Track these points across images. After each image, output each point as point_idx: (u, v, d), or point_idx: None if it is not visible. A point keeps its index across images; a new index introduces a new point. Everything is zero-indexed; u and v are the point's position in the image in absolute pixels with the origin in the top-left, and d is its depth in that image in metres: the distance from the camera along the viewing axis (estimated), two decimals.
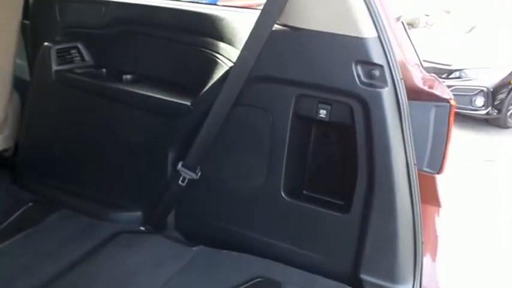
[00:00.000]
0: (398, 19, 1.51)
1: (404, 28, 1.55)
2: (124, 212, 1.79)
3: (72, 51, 1.88)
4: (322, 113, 1.45)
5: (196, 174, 1.63)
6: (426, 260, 1.43)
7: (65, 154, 1.90)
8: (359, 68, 1.33)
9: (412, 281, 1.40)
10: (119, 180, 1.82)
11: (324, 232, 1.50)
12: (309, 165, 1.62)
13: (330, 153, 1.59)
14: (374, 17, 1.28)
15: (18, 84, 1.98)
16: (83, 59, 1.90)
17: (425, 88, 1.41)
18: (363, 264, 1.44)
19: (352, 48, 1.32)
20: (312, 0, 1.37)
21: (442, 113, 1.39)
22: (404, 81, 1.30)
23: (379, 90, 1.30)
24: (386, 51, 1.29)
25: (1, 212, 1.77)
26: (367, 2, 1.28)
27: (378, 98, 1.30)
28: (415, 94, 1.35)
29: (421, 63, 1.49)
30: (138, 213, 1.78)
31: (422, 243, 1.39)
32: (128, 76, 1.81)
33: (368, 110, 1.33)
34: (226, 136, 1.59)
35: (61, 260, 1.54)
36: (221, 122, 1.55)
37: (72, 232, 1.69)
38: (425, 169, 1.42)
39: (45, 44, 1.83)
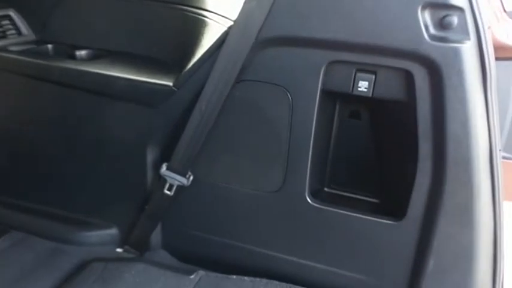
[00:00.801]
0: None
1: None
2: (95, 231, 1.36)
3: (3, 22, 1.38)
4: (363, 85, 1.04)
5: (187, 180, 1.21)
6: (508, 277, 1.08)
7: (12, 160, 1.43)
8: (427, 14, 0.92)
9: None
10: (85, 191, 1.37)
11: (371, 245, 1.12)
12: (339, 157, 1.23)
13: (364, 139, 1.20)
14: None
15: None
16: (19, 33, 1.40)
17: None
18: (424, 286, 1.07)
19: None
20: None
21: None
22: None
23: (456, 45, 0.90)
24: None
25: None
26: None
27: (455, 57, 0.90)
28: (498, 51, 0.96)
29: (503, 6, 1.08)
30: (113, 231, 1.35)
31: (503, 255, 1.04)
32: (83, 52, 1.34)
33: (439, 76, 0.93)
34: (226, 126, 1.17)
35: None
36: (218, 106, 1.12)
37: (26, 262, 1.25)
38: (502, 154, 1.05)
39: None
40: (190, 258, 1.31)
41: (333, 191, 1.25)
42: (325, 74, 1.06)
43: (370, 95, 1.04)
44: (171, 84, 1.19)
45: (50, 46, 1.40)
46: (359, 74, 1.04)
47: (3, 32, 1.37)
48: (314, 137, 1.11)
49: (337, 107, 1.20)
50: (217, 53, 1.10)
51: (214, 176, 1.23)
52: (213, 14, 1.19)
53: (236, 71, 1.08)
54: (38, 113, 1.37)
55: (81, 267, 1.23)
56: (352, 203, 1.20)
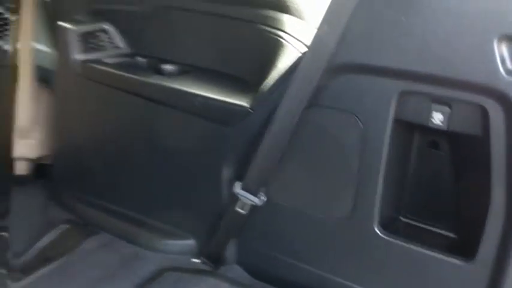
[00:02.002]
0: None
1: None
2: (174, 240, 1.42)
3: (100, 34, 1.49)
4: (437, 117, 0.97)
5: (260, 199, 1.21)
6: None
7: (102, 166, 1.55)
8: (504, 47, 0.86)
9: None
10: (167, 200, 1.44)
11: (436, 284, 1.05)
12: (417, 187, 1.16)
13: (442, 170, 1.13)
14: None
15: (46, 76, 1.63)
16: (113, 45, 1.50)
17: None
18: None
19: (492, 16, 0.87)
20: None
21: None
22: None
23: None
24: None
25: (30, 234, 1.47)
26: None
27: None
28: None
29: None
30: (191, 242, 1.41)
31: None
32: (168, 66, 1.40)
33: None
34: (298, 149, 1.16)
35: None
36: (291, 129, 1.11)
37: (110, 265, 1.36)
38: None
39: (65, 26, 1.44)
40: (263, 276, 1.32)
41: (408, 221, 1.19)
42: (397, 103, 1.01)
43: (446, 128, 0.97)
44: (247, 105, 1.20)
45: (141, 59, 1.49)
46: (433, 105, 0.97)
47: (100, 44, 1.48)
48: (387, 166, 1.06)
49: (415, 135, 1.14)
50: (292, 76, 1.09)
51: (286, 198, 1.23)
52: (291, 37, 1.17)
53: (308, 96, 1.07)
54: (127, 124, 1.47)
55: (158, 273, 1.31)
56: (426, 235, 1.14)
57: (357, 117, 1.06)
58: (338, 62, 1.02)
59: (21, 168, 1.68)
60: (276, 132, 1.13)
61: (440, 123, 0.97)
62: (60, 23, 1.47)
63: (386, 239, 1.09)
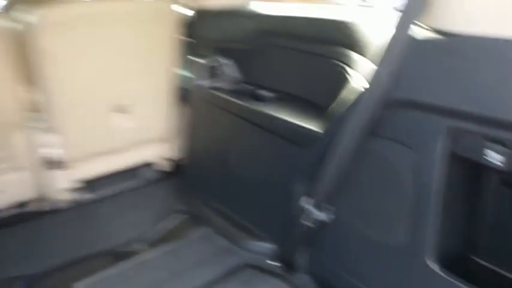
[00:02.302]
0: None
1: None
2: (256, 241, 1.65)
3: (222, 67, 1.82)
4: (492, 156, 0.96)
5: (325, 215, 1.34)
6: None
7: (214, 171, 1.88)
8: None
9: None
10: (255, 206, 1.68)
11: None
12: (484, 226, 1.15)
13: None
14: None
15: (187, 96, 2.06)
16: (229, 75, 1.82)
17: None
18: None
19: None
20: None
21: None
22: None
23: None
24: None
25: (152, 218, 1.87)
26: None
27: None
28: None
29: None
30: (270, 246, 1.61)
31: None
32: (264, 92, 1.65)
33: None
34: (358, 173, 1.26)
35: (188, 283, 1.50)
36: (351, 155, 1.23)
37: (207, 253, 1.65)
38: None
39: (198, 60, 1.83)
40: (329, 287, 1.43)
41: (480, 261, 1.16)
42: (450, 139, 1.03)
43: (506, 168, 0.95)
44: (319, 130, 1.36)
45: (248, 86, 1.77)
46: (489, 145, 0.96)
47: (218, 73, 1.82)
48: (443, 199, 1.08)
49: (484, 172, 1.12)
50: (354, 108, 1.21)
51: (350, 218, 1.32)
52: (357, 73, 1.29)
53: (367, 126, 1.17)
54: (232, 139, 1.76)
55: (240, 267, 1.55)
56: (497, 278, 1.10)
57: (411, 149, 1.12)
58: (393, 98, 1.11)
59: (164, 166, 2.15)
60: (339, 156, 1.25)
61: (500, 164, 0.96)
62: (195, 58, 1.87)
63: (439, 274, 1.09)
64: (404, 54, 1.05)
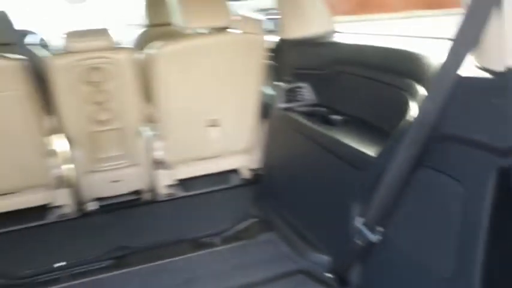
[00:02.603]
0: None
1: None
2: (314, 251, 1.78)
3: (299, 90, 2.01)
4: None
5: (375, 237, 1.42)
6: None
7: (285, 183, 2.07)
8: None
9: None
10: (317, 219, 1.81)
11: None
12: None
13: None
14: None
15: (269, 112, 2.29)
16: (306, 97, 2.00)
17: None
18: None
19: None
20: None
21: None
22: None
23: None
24: None
25: (230, 217, 2.13)
26: None
27: None
28: None
29: None
30: (326, 258, 1.72)
31: None
32: (334, 116, 1.78)
33: None
34: (407, 200, 1.32)
35: (245, 277, 1.70)
36: (400, 182, 1.30)
37: (269, 255, 1.84)
38: None
39: (278, 83, 2.04)
40: None
41: None
42: (498, 176, 1.05)
43: None
44: (374, 155, 1.46)
45: (321, 109, 1.92)
46: None
47: (296, 96, 2.01)
48: (489, 235, 1.08)
49: None
50: (405, 138, 1.27)
51: (397, 240, 1.38)
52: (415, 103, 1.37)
53: (415, 156, 1.23)
54: (302, 156, 1.92)
55: (294, 273, 1.70)
56: None
57: (458, 182, 1.14)
58: (440, 132, 1.16)
59: (246, 174, 2.42)
60: (390, 182, 1.32)
61: None
62: (278, 81, 2.09)
63: None
64: (448, 92, 1.11)
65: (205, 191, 2.38)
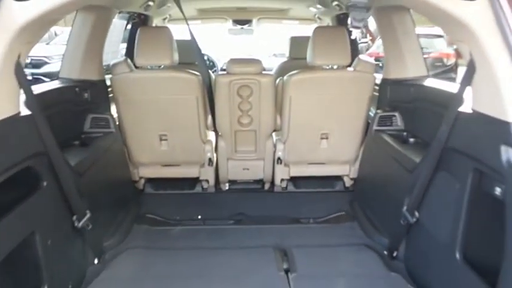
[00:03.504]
0: None
1: None
2: (378, 234, 2.43)
3: (390, 117, 2.64)
4: (497, 190, 1.52)
5: (411, 219, 2.02)
6: None
7: (369, 187, 2.76)
8: None
9: None
10: (383, 211, 2.44)
11: None
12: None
13: None
14: None
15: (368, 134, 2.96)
16: (395, 124, 2.61)
17: None
18: None
19: None
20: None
21: None
22: None
23: None
24: None
25: (326, 210, 2.84)
26: None
27: None
28: None
29: None
30: (384, 238, 2.35)
31: None
32: (411, 139, 2.45)
33: None
34: (430, 194, 1.94)
35: (323, 249, 2.38)
36: (427, 180, 1.94)
37: (345, 235, 2.54)
38: None
39: (376, 111, 2.69)
40: (414, 280, 2.04)
41: None
42: (473, 177, 1.65)
43: (502, 198, 1.48)
44: (418, 161, 2.07)
45: (404, 133, 2.57)
46: (495, 182, 1.51)
47: (389, 122, 2.61)
48: (464, 219, 1.71)
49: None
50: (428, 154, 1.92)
51: (426, 224, 1.97)
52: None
53: (434, 162, 1.88)
54: (381, 167, 2.56)
55: (359, 246, 2.34)
56: None
57: (457, 181, 1.76)
58: (449, 146, 1.79)
59: (347, 181, 3.11)
60: (421, 183, 1.94)
61: (499, 195, 1.50)
62: (378, 109, 2.75)
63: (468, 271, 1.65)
64: (453, 118, 1.74)
65: (312, 190, 3.13)
